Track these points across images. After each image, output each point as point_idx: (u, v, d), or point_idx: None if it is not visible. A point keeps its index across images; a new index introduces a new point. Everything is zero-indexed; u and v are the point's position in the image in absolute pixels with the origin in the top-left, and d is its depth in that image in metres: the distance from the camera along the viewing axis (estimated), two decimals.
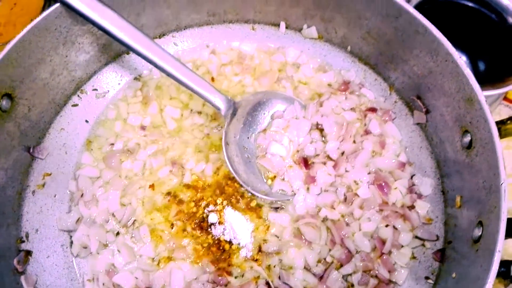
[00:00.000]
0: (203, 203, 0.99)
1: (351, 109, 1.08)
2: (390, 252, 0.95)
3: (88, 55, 1.05)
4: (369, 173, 1.00)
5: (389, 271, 0.94)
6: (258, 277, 0.93)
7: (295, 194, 1.00)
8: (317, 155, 1.03)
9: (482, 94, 0.82)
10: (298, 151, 1.04)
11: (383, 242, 0.95)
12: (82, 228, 0.98)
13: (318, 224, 0.96)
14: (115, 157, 1.04)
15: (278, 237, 0.97)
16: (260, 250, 0.95)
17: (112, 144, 1.07)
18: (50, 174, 1.03)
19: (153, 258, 0.96)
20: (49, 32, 0.92)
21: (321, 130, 1.05)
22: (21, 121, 0.95)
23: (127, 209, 0.98)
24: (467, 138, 0.87)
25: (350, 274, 0.93)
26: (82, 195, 1.01)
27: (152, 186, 1.01)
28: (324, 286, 0.92)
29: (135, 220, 0.99)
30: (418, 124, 1.05)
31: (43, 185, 1.02)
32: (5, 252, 0.92)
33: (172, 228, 0.98)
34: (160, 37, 1.17)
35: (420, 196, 1.00)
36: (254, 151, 1.06)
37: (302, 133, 1.04)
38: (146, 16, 1.08)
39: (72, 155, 1.07)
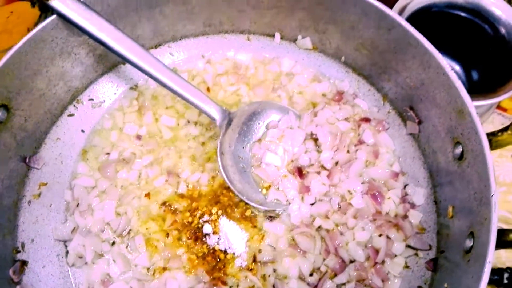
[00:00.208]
0: (198, 213, 1.00)
1: (345, 119, 1.09)
2: (383, 262, 0.95)
3: (84, 65, 1.06)
4: (362, 183, 1.01)
5: (383, 281, 0.94)
6: (253, 286, 0.94)
7: (289, 203, 1.00)
8: (312, 164, 1.04)
9: (473, 106, 0.83)
10: (292, 160, 1.05)
11: (377, 252, 0.95)
12: (78, 237, 0.98)
13: (312, 233, 0.96)
14: (111, 167, 1.05)
15: (273, 247, 0.97)
16: (255, 259, 0.96)
17: (108, 153, 1.07)
18: (46, 184, 1.03)
19: (148, 268, 0.96)
20: (46, 44, 0.93)
21: (316, 140, 1.06)
22: (17, 131, 0.96)
23: (122, 219, 0.99)
24: (459, 149, 0.87)
25: (344, 284, 0.93)
26: (77, 205, 1.01)
27: (148, 195, 1.02)
28: None
29: (130, 230, 1.00)
30: (411, 134, 1.06)
31: (39, 195, 1.02)
32: (1, 262, 0.92)
33: (167, 237, 0.98)
34: (156, 47, 1.17)
35: (413, 205, 1.01)
36: (249, 160, 1.06)
37: (297, 143, 1.05)
38: (142, 27, 1.09)
39: (68, 165, 1.07)
